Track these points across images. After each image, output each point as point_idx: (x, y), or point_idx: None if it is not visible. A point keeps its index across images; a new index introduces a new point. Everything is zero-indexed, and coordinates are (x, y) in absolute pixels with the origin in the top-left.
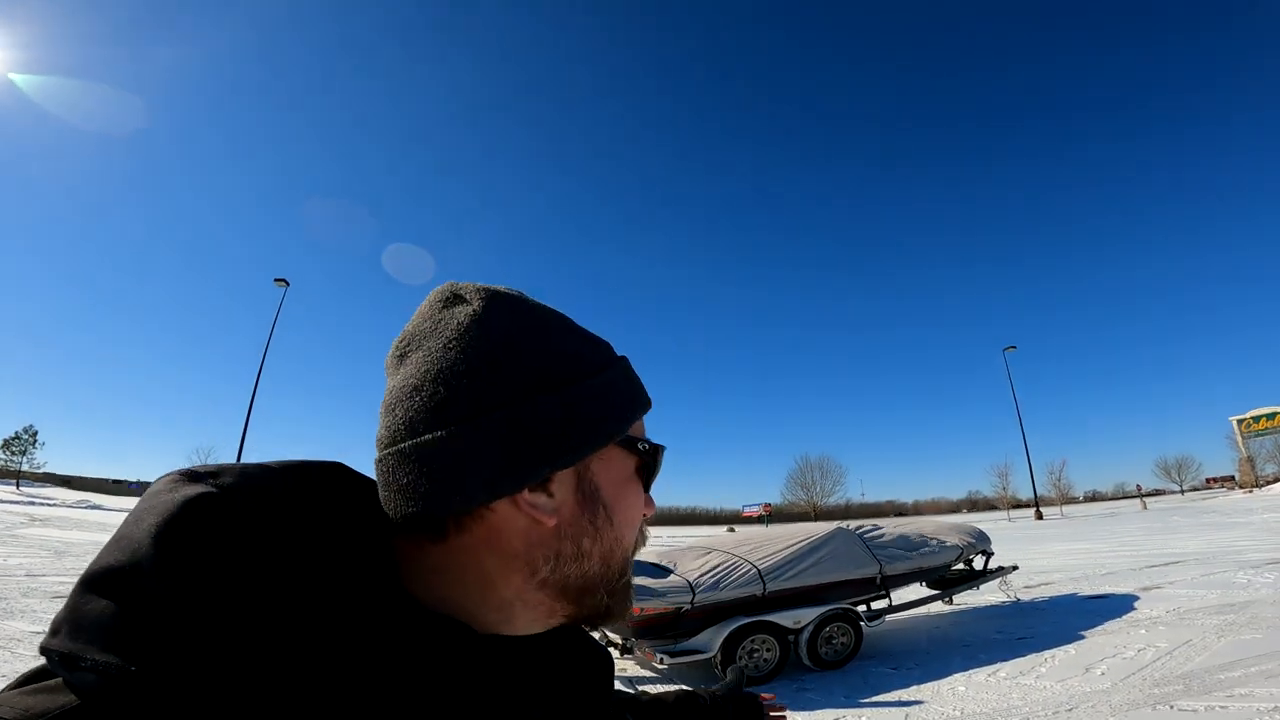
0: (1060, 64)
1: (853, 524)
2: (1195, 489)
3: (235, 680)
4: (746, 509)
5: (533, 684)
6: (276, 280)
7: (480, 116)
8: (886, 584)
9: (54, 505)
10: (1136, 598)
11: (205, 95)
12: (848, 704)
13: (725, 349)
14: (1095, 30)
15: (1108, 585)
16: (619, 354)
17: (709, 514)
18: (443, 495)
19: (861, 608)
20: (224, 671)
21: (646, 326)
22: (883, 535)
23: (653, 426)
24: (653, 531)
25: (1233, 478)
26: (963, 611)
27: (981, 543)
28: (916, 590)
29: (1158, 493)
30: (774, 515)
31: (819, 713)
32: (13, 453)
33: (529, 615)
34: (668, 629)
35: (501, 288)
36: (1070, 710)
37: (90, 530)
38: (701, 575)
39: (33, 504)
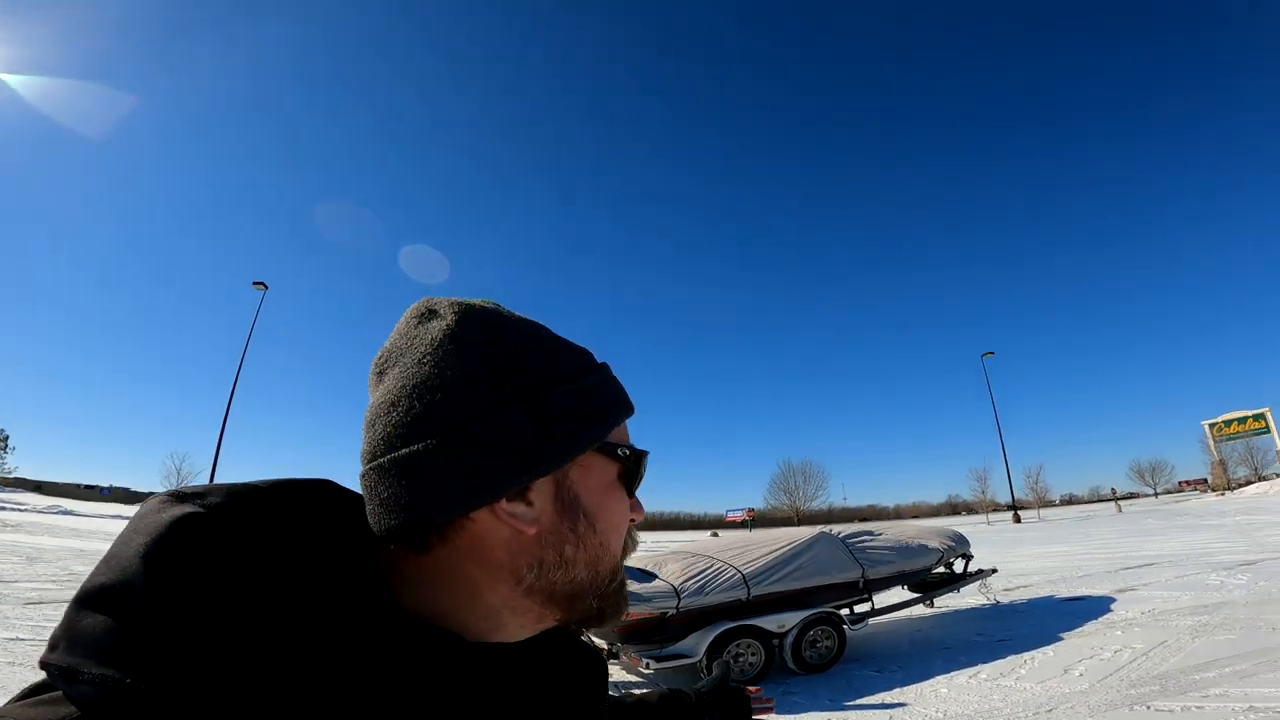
0: (1057, 65)
1: (835, 528)
2: (1169, 492)
3: (227, 691)
4: (731, 513)
5: (524, 689)
6: (255, 284)
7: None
8: (869, 587)
9: (25, 510)
10: (1112, 600)
11: (181, 95)
12: (832, 707)
13: (708, 353)
14: (1058, 32)
15: (1084, 587)
16: (599, 361)
17: (693, 518)
18: (421, 508)
19: (845, 611)
20: (216, 682)
21: (629, 330)
22: (865, 539)
23: (637, 431)
24: (638, 536)
25: (1205, 480)
26: (944, 614)
27: (961, 546)
28: (898, 593)
29: (1132, 496)
30: (758, 520)
31: (804, 716)
32: None
33: (518, 621)
34: (653, 634)
35: (477, 301)
36: (1050, 711)
37: (62, 536)
38: (686, 580)
39: (3, 509)
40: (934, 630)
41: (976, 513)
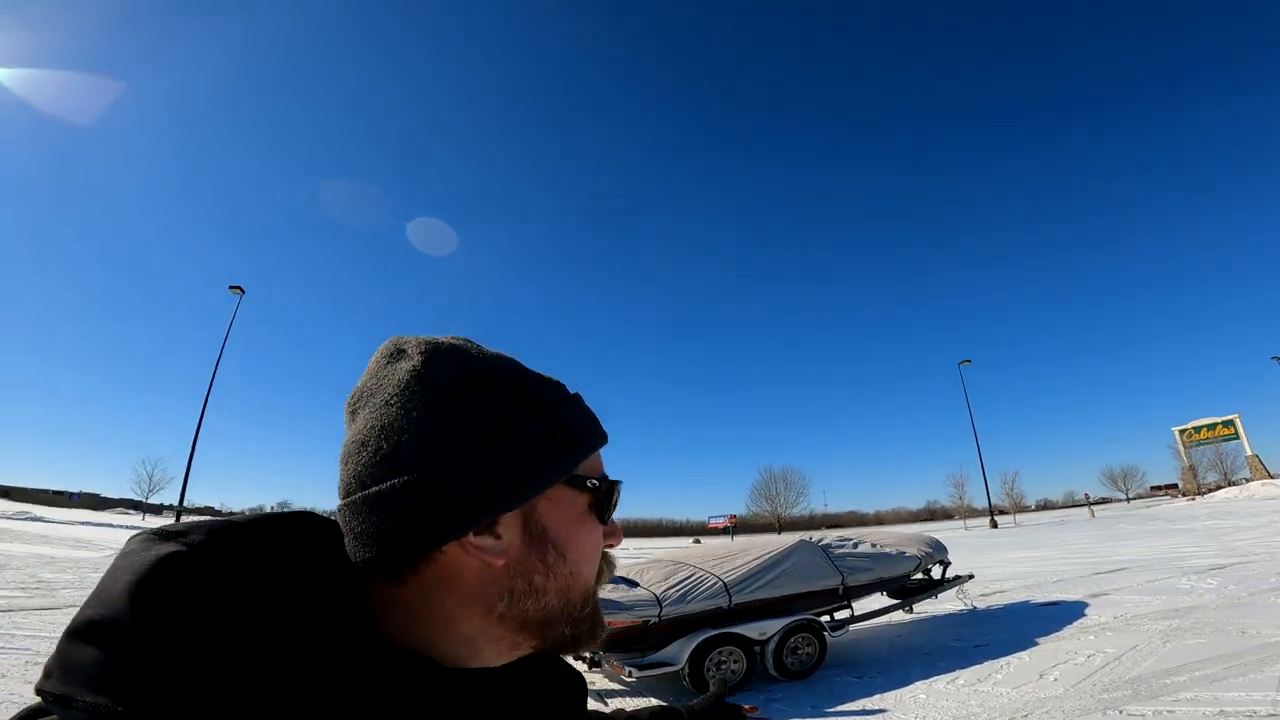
0: (1009, 72)
1: (815, 535)
2: (1140, 497)
3: (213, 717)
4: (713, 520)
5: (502, 713)
6: (231, 288)
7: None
8: (849, 594)
9: None
10: (1086, 604)
11: (159, 89)
12: (814, 714)
13: (689, 360)
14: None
15: (1059, 592)
16: (572, 393)
17: (675, 525)
18: (391, 543)
19: (825, 618)
20: (202, 710)
21: (609, 338)
22: (844, 547)
23: (617, 441)
24: (615, 560)
25: (1176, 486)
26: (922, 620)
27: (939, 553)
28: (878, 600)
29: (1105, 501)
30: (740, 526)
31: None
32: None
33: (493, 648)
34: (635, 642)
35: (445, 339)
36: (1026, 717)
37: (31, 542)
38: (668, 588)
39: None
40: (913, 636)
41: (954, 518)
